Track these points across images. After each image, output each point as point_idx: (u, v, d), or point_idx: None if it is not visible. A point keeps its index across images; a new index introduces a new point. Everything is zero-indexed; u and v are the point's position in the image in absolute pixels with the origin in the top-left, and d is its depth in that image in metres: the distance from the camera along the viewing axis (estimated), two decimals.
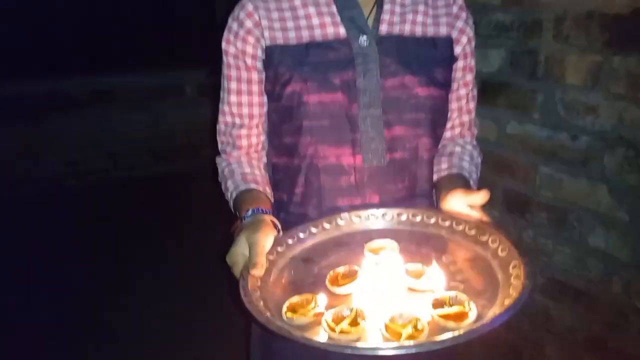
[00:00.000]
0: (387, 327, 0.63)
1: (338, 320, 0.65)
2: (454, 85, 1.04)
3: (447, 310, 0.64)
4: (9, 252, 2.70)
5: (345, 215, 0.93)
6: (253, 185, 0.99)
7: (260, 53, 0.95)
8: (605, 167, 1.43)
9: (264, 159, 1.08)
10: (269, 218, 0.87)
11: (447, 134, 1.09)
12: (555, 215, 1.59)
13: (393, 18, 0.96)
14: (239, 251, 0.79)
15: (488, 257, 0.78)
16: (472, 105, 1.09)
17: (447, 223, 0.88)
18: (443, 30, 0.99)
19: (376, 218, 0.93)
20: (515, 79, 1.65)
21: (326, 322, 0.65)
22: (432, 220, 0.90)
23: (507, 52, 1.65)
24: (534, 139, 1.61)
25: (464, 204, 0.87)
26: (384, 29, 0.95)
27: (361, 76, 0.92)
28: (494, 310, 0.64)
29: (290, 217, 1.01)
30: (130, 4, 4.37)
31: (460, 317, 0.63)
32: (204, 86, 3.93)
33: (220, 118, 1.04)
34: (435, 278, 0.72)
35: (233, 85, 0.99)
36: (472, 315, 0.63)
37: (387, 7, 0.96)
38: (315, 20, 0.94)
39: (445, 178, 1.01)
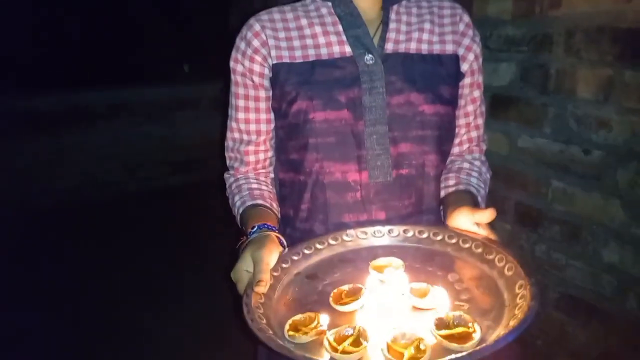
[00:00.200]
0: (389, 348, 0.62)
1: (340, 339, 0.65)
2: (462, 102, 1.04)
3: (450, 330, 0.64)
4: (26, 263, 2.74)
5: (351, 231, 0.93)
6: (260, 201, 1.00)
7: (267, 71, 0.97)
8: (619, 181, 1.41)
9: (272, 175, 1.09)
10: (274, 234, 0.87)
11: (455, 149, 1.08)
12: (568, 229, 1.57)
13: (399, 36, 0.96)
14: (244, 267, 0.79)
15: (494, 276, 0.77)
16: (480, 121, 1.08)
17: (454, 240, 0.87)
18: (449, 48, 0.99)
19: (382, 234, 0.93)
20: (526, 93, 1.64)
21: (328, 341, 0.64)
22: (439, 238, 0.89)
23: (518, 66, 1.65)
24: (546, 153, 1.59)
25: (471, 221, 0.87)
26: (389, 47, 0.95)
27: (367, 94, 0.93)
28: (499, 332, 0.63)
29: (296, 233, 1.02)
30: (147, 19, 4.46)
31: (464, 338, 0.62)
32: (218, 99, 3.99)
33: (228, 135, 1.05)
34: (439, 297, 0.71)
35: (241, 102, 1.01)
36: (476, 336, 0.62)
37: (392, 25, 0.96)
38: (322, 39, 0.95)
39: (453, 194, 1.01)
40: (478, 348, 0.57)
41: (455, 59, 0.99)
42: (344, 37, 0.95)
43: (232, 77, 1.01)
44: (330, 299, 0.75)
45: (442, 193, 1.04)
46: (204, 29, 4.18)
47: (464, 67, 1.01)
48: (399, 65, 0.95)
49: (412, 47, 0.96)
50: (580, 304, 1.56)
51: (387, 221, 0.96)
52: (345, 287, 0.77)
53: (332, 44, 0.95)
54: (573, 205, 1.54)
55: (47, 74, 3.87)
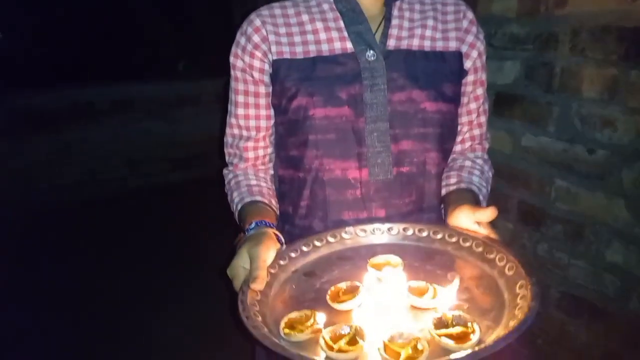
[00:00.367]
0: (386, 347, 0.61)
1: (336, 338, 0.64)
2: (464, 100, 1.02)
3: (449, 330, 0.63)
4: (26, 262, 2.74)
5: (350, 229, 0.92)
6: (258, 198, 0.99)
7: (267, 67, 0.96)
8: (623, 181, 1.39)
9: (271, 171, 1.08)
10: (272, 231, 0.86)
11: (457, 147, 1.07)
12: (571, 228, 1.55)
13: (401, 32, 0.95)
14: (240, 264, 0.78)
15: (495, 275, 0.76)
16: (483, 119, 1.07)
17: (454, 239, 0.86)
18: (452, 45, 0.97)
19: (382, 232, 0.92)
20: (530, 92, 1.62)
21: (324, 339, 0.63)
22: (439, 236, 0.88)
23: (523, 64, 1.63)
24: (550, 152, 1.58)
25: (472, 220, 0.85)
26: (391, 43, 0.94)
27: (368, 90, 0.92)
28: (498, 332, 0.62)
29: (295, 230, 1.01)
30: (149, 15, 4.46)
31: (462, 338, 0.61)
32: (219, 96, 3.99)
33: (228, 130, 1.04)
34: (440, 296, 0.70)
35: (240, 98, 1.00)
36: (475, 336, 0.61)
37: (395, 21, 0.95)
38: (323, 35, 0.94)
39: (454, 193, 1.00)
40: (477, 349, 0.56)
41: (459, 56, 0.98)
42: (345, 33, 0.94)
43: (232, 72, 1.00)
44: (328, 296, 0.74)
45: (443, 191, 1.03)
46: (206, 24, 4.17)
47: (467, 64, 0.99)
48: (401, 61, 0.94)
49: (415, 43, 0.95)
50: (582, 304, 1.54)
51: (387, 219, 0.95)
52: (343, 285, 0.77)
53: (334, 40, 0.94)
54: (576, 205, 1.52)
55: (49, 70, 3.87)
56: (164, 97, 3.97)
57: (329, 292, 0.75)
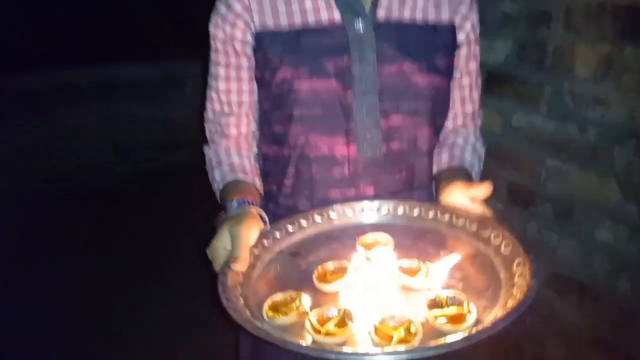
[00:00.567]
0: (376, 330, 0.57)
1: (323, 321, 0.60)
2: (457, 74, 0.98)
3: (443, 311, 0.59)
4: (10, 246, 2.67)
5: (337, 207, 0.88)
6: (241, 176, 0.94)
7: (249, 38, 0.90)
8: (615, 160, 1.37)
9: (254, 149, 1.03)
10: (255, 210, 0.82)
11: (449, 124, 1.03)
12: (561, 208, 1.54)
13: (392, 3, 0.90)
14: (220, 244, 0.74)
15: (490, 254, 0.73)
16: (476, 94, 1.04)
17: (447, 217, 0.82)
18: (445, 16, 0.93)
19: (370, 211, 0.88)
20: (522, 70, 1.59)
21: (310, 322, 0.59)
22: (431, 214, 0.84)
23: (515, 42, 1.59)
24: (541, 132, 1.55)
25: (465, 197, 0.82)
26: (382, 13, 0.89)
27: (356, 62, 0.87)
28: (496, 313, 0.58)
29: (279, 210, 0.97)
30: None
31: (458, 319, 0.57)
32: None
33: (208, 105, 0.99)
34: (433, 275, 0.66)
35: (221, 71, 0.94)
36: (471, 317, 0.57)
37: None
38: (309, 4, 0.88)
39: (446, 170, 0.96)
40: (474, 330, 0.52)
41: (452, 28, 0.94)
42: (332, 2, 0.88)
43: (212, 43, 0.94)
44: (314, 277, 0.71)
45: (435, 169, 0.99)
46: (194, 4, 4.04)
47: (461, 36, 0.95)
48: (391, 32, 0.89)
49: (406, 14, 0.90)
50: (571, 284, 1.53)
51: (375, 197, 0.92)
52: (330, 265, 0.73)
53: (320, 9, 0.88)
54: (567, 185, 1.50)
55: (32, 52, 3.74)
56: (150, 79, 3.88)
57: (315, 272, 0.71)
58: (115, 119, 3.76)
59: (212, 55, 0.95)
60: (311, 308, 0.63)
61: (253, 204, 0.83)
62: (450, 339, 0.51)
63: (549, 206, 1.57)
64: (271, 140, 0.97)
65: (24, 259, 2.63)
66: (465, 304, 0.60)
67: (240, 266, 0.69)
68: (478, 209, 0.81)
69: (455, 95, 1.01)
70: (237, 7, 0.89)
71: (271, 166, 0.99)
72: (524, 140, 1.61)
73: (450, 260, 0.69)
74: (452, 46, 0.95)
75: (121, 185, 3.51)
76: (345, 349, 0.54)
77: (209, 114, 1.00)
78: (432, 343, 0.51)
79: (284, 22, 0.88)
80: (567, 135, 1.48)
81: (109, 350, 2.05)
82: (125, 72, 3.81)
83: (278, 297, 0.66)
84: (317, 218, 0.86)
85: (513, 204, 1.69)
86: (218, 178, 0.95)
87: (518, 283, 0.61)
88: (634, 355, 1.39)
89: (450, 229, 0.81)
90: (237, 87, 0.95)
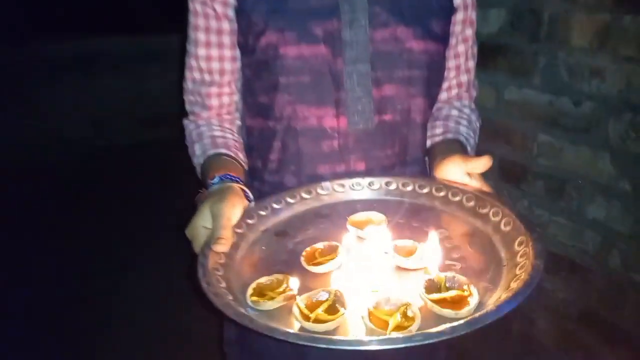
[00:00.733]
0: (371, 315, 0.53)
1: (313, 306, 0.55)
2: (452, 41, 0.93)
3: (443, 294, 0.54)
4: None
5: (326, 184, 0.83)
6: (223, 150, 0.88)
7: None
8: (609, 134, 1.33)
9: (238, 122, 0.96)
10: (238, 186, 0.76)
11: (443, 95, 0.98)
12: (553, 185, 1.51)
13: None
14: (200, 223, 0.69)
15: (489, 231, 0.68)
16: (471, 64, 0.99)
17: (442, 193, 0.78)
18: None
19: (361, 187, 0.83)
20: (515, 41, 1.53)
21: (298, 307, 0.54)
22: (425, 190, 0.79)
23: (508, 11, 1.53)
24: (534, 105, 1.51)
25: (462, 171, 0.77)
26: None
27: (347, 27, 0.81)
28: (499, 295, 0.54)
29: (264, 187, 0.91)
30: None
31: (458, 303, 0.53)
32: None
33: (187, 74, 0.92)
34: (429, 255, 0.62)
35: (201, 36, 0.87)
36: (473, 300, 0.53)
37: None
38: None
39: (440, 144, 0.91)
40: (477, 315, 0.48)
41: None
42: None
43: (190, 5, 0.87)
44: (302, 258, 0.66)
45: (428, 142, 0.94)
46: None
47: (457, 0, 0.89)
48: None
49: None
50: (561, 261, 1.52)
51: (367, 172, 0.87)
52: (320, 245, 0.68)
53: None
54: (559, 160, 1.47)
55: (8, 26, 3.57)
56: (131, 52, 3.80)
57: (303, 253, 0.67)
58: (95, 93, 3.69)
59: (191, 19, 0.87)
60: (299, 292, 0.58)
61: (236, 180, 0.78)
62: (453, 323, 0.47)
63: (540, 183, 1.54)
64: (255, 112, 0.91)
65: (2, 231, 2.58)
66: (465, 286, 0.55)
67: (222, 247, 0.64)
68: (476, 184, 0.76)
69: (450, 64, 0.95)
70: None
71: (256, 140, 0.93)
72: (517, 114, 1.57)
73: (432, 240, 0.64)
74: (449, 10, 0.89)
75: (100, 160, 3.46)
76: (337, 337, 0.49)
77: (188, 83, 0.93)
78: (434, 329, 0.47)
79: None
80: (561, 109, 1.44)
81: (91, 324, 2.03)
82: (105, 45, 3.73)
83: (263, 280, 0.61)
84: (305, 195, 0.82)
85: (504, 180, 1.65)
86: (198, 152, 0.89)
87: (522, 263, 0.57)
88: (624, 332, 1.39)
89: (446, 206, 0.76)
90: (219, 54, 0.88)
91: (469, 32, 0.94)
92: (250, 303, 0.57)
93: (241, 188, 0.77)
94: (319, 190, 0.82)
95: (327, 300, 0.56)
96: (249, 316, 0.52)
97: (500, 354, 1.75)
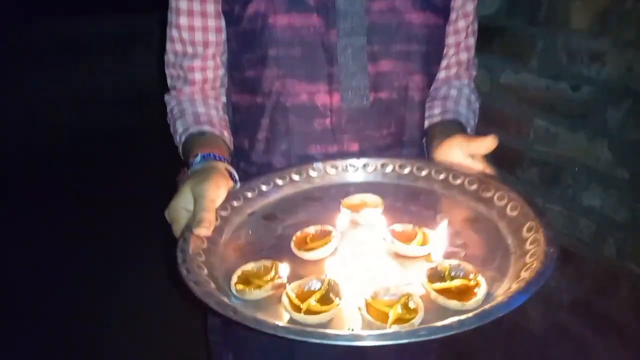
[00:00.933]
0: (368, 306, 0.48)
1: (304, 295, 0.50)
2: (453, 16, 0.88)
3: (447, 284, 0.49)
4: None
5: (318, 165, 0.78)
6: (207, 128, 0.82)
7: None
8: (608, 120, 1.29)
9: (223, 99, 0.90)
10: (222, 165, 0.70)
11: (442, 74, 0.94)
12: (548, 172, 1.47)
13: None
14: (181, 205, 0.63)
15: (494, 217, 0.64)
16: (471, 41, 0.94)
17: (442, 176, 0.73)
18: None
19: (355, 169, 0.78)
20: (513, 24, 1.48)
21: (288, 297, 0.49)
22: (424, 173, 0.75)
23: None
24: (531, 90, 1.46)
25: (464, 153, 0.73)
26: None
27: None
28: (508, 285, 0.49)
29: (252, 168, 0.86)
30: None
31: (465, 293, 0.48)
32: None
33: (169, 46, 0.85)
34: (433, 242, 0.57)
35: (183, 4, 0.81)
36: (481, 291, 0.48)
37: None
38: None
39: (439, 124, 0.87)
40: (487, 307, 0.43)
41: None
42: None
43: None
44: (292, 244, 0.60)
45: (426, 123, 0.90)
46: None
47: None
48: None
49: None
50: None
51: (361, 153, 0.82)
52: (311, 230, 0.63)
53: None
54: (555, 147, 1.43)
55: None
56: (115, 35, 3.71)
57: (294, 238, 0.61)
58: (78, 76, 3.61)
59: None
60: (289, 280, 0.53)
61: (220, 159, 0.72)
62: (460, 317, 0.42)
63: (535, 170, 1.50)
64: (242, 87, 0.85)
65: None
66: (472, 275, 0.50)
67: (204, 230, 0.59)
68: (478, 166, 0.72)
69: (450, 41, 0.90)
70: None
71: (242, 118, 0.87)
72: (513, 99, 1.52)
73: (442, 227, 0.59)
74: None
75: (83, 144, 3.37)
76: (331, 331, 0.44)
77: (169, 56, 0.87)
78: (439, 323, 0.42)
79: None
80: (559, 94, 1.39)
81: (68, 313, 1.97)
82: (89, 26, 3.63)
83: (249, 267, 0.56)
84: (295, 177, 0.76)
85: (498, 166, 1.61)
86: (180, 130, 0.83)
87: (532, 251, 0.52)
88: (616, 322, 1.37)
89: (447, 189, 0.71)
90: (202, 24, 0.81)
91: (470, 6, 0.90)
92: (234, 292, 0.52)
93: (226, 168, 0.71)
94: (310, 172, 0.77)
95: (319, 289, 0.51)
96: (233, 306, 0.47)
97: (490, 343, 1.73)
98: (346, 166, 0.78)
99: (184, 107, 0.85)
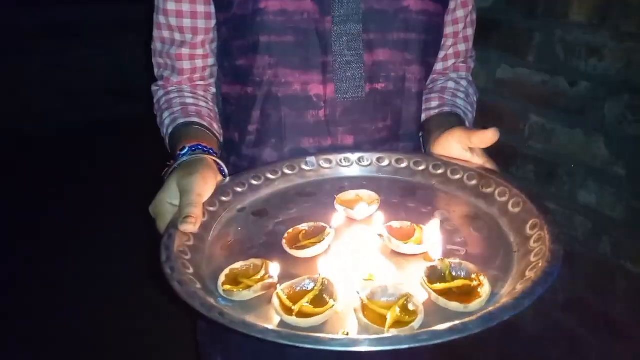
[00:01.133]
0: (365, 308, 0.45)
1: (296, 296, 0.47)
2: (451, 5, 0.85)
3: (448, 284, 0.47)
4: None
5: (311, 159, 0.75)
6: (195, 119, 0.78)
7: None
8: (605, 116, 1.28)
9: (212, 89, 0.87)
10: (211, 158, 0.67)
11: (439, 66, 0.91)
12: (544, 168, 1.45)
13: None
14: (167, 199, 0.60)
15: (495, 213, 0.61)
16: (470, 32, 0.92)
17: (441, 171, 0.70)
18: None
19: (350, 163, 0.75)
20: (510, 17, 1.46)
21: (279, 298, 0.46)
22: (421, 167, 0.72)
23: None
24: (527, 85, 1.44)
25: (464, 146, 0.70)
26: None
27: None
28: (513, 286, 0.46)
29: (242, 161, 0.82)
30: None
31: (467, 294, 0.45)
32: None
33: (156, 34, 0.82)
34: (430, 239, 0.54)
35: None
36: (485, 291, 0.45)
37: None
38: None
39: (436, 117, 0.84)
40: (492, 309, 0.40)
41: None
42: None
43: None
44: (284, 241, 0.57)
45: (423, 116, 0.87)
46: None
47: None
48: None
49: None
50: None
51: (356, 147, 0.78)
52: (304, 227, 0.60)
53: None
54: (551, 143, 1.41)
55: None
56: (104, 22, 3.63)
57: (285, 235, 0.58)
58: (67, 64, 3.55)
59: None
60: (280, 280, 0.50)
61: (209, 152, 0.68)
62: (464, 320, 0.39)
63: (531, 166, 1.48)
64: (233, 77, 0.81)
65: None
66: (474, 275, 0.48)
67: (190, 226, 0.55)
68: (478, 160, 0.69)
69: (448, 31, 0.88)
70: None
71: (233, 109, 0.84)
72: (509, 94, 1.50)
73: (433, 224, 0.56)
74: None
75: (71, 135, 3.31)
76: (325, 336, 0.41)
77: (156, 44, 0.83)
78: (441, 326, 0.39)
79: None
80: (555, 89, 1.37)
81: (53, 310, 1.93)
82: (78, 13, 3.56)
83: (238, 265, 0.52)
84: (288, 171, 0.73)
85: (493, 163, 1.60)
86: (167, 121, 0.79)
87: (536, 249, 0.50)
88: (611, 320, 1.35)
89: (445, 185, 0.69)
90: (190, 9, 0.78)
91: None
92: (222, 292, 0.49)
93: (214, 161, 0.68)
94: (303, 166, 0.74)
95: (312, 290, 0.48)
96: (220, 308, 0.44)
97: (483, 342, 1.71)
98: (340, 160, 0.75)
99: (171, 98, 0.82)
